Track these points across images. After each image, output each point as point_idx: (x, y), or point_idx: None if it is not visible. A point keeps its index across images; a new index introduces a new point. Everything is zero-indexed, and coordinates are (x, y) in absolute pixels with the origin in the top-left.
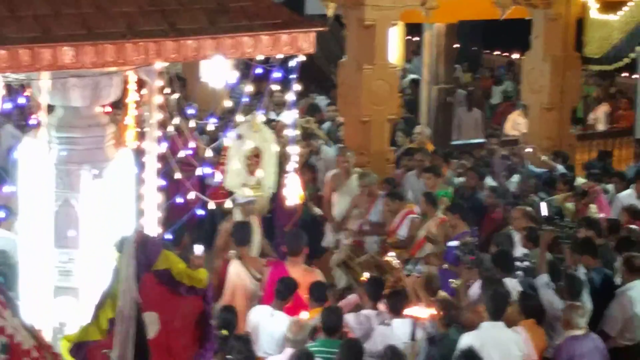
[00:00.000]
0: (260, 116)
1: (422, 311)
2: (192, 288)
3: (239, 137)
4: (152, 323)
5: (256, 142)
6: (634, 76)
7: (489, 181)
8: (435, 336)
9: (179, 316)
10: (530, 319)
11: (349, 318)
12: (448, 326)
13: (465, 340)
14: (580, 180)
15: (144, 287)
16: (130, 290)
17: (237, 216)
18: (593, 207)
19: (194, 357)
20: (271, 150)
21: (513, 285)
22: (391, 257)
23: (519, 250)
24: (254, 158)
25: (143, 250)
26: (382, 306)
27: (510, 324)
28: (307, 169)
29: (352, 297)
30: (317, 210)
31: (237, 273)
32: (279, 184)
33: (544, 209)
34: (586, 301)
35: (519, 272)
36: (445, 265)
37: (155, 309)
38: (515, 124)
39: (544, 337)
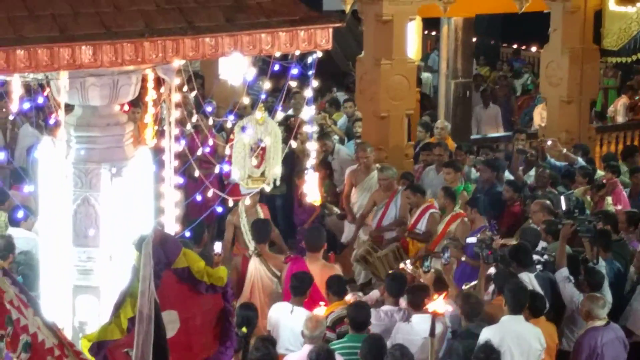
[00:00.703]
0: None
1: (441, 306)
2: (212, 286)
3: (244, 129)
4: (172, 321)
5: (261, 134)
6: None
7: (508, 175)
8: (458, 330)
9: (199, 314)
10: (540, 317)
11: None
12: (471, 320)
13: (485, 334)
14: (600, 174)
15: (164, 286)
16: (149, 289)
17: (243, 209)
18: (609, 200)
19: (214, 355)
20: (276, 142)
21: (529, 279)
22: (404, 264)
23: (540, 244)
24: (259, 150)
25: (163, 249)
26: (403, 302)
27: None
28: (323, 166)
29: (373, 294)
30: (336, 210)
31: (256, 270)
32: (298, 181)
33: (563, 203)
34: (606, 293)
35: (538, 266)
36: (464, 258)
37: (175, 307)
38: (542, 117)
39: (555, 333)
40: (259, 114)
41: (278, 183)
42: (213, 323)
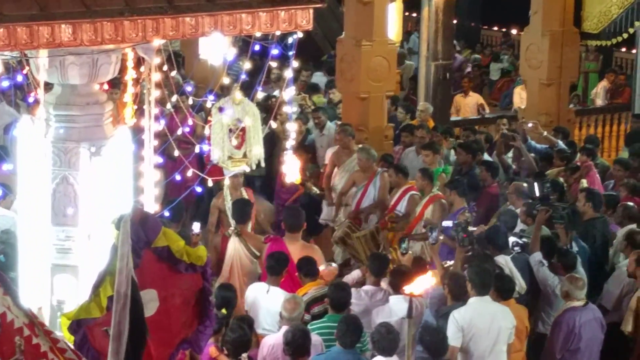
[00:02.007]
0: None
1: (418, 288)
2: (191, 265)
3: (222, 110)
4: (152, 300)
5: (238, 114)
6: (632, 51)
7: (488, 158)
8: (443, 309)
9: (178, 293)
10: (510, 299)
11: None
12: (457, 299)
13: (455, 316)
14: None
15: (144, 264)
16: (126, 268)
17: (228, 192)
18: (584, 182)
19: (193, 334)
20: (255, 122)
21: (505, 261)
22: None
23: (518, 226)
24: (239, 131)
25: (143, 228)
26: (384, 284)
27: None
28: (305, 147)
29: (355, 273)
30: (315, 190)
31: (235, 250)
32: (278, 162)
33: (536, 189)
34: (582, 274)
35: (517, 248)
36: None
37: (155, 286)
38: (522, 98)
39: (526, 316)
40: (238, 94)
41: (263, 164)
42: (192, 302)
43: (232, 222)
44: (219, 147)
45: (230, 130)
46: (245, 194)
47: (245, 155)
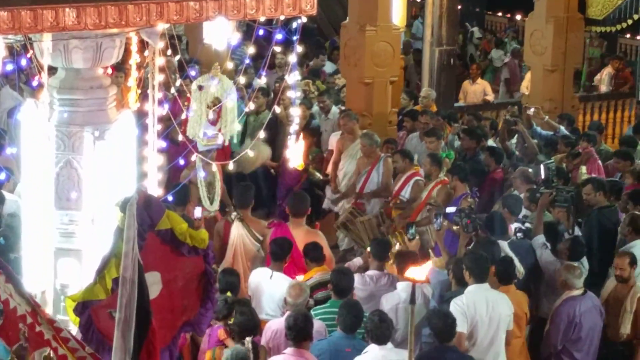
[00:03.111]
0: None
1: (421, 273)
2: (194, 248)
3: (200, 88)
4: (155, 283)
5: (217, 92)
6: (637, 37)
7: (491, 142)
8: (447, 294)
9: (180, 276)
10: (509, 285)
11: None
12: (462, 285)
13: (457, 302)
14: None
15: (148, 247)
16: (132, 251)
17: (199, 165)
18: (583, 169)
19: (195, 317)
20: (231, 99)
21: (502, 247)
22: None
23: (522, 212)
24: (215, 107)
25: (147, 210)
26: (390, 267)
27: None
28: (310, 132)
29: (357, 260)
30: (319, 175)
31: (239, 235)
32: (282, 146)
33: (542, 172)
34: (584, 262)
35: (519, 234)
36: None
37: (158, 268)
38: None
39: (525, 302)
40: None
41: (235, 140)
42: (194, 285)
43: (203, 196)
44: (196, 124)
45: (208, 107)
46: (216, 170)
47: (219, 131)
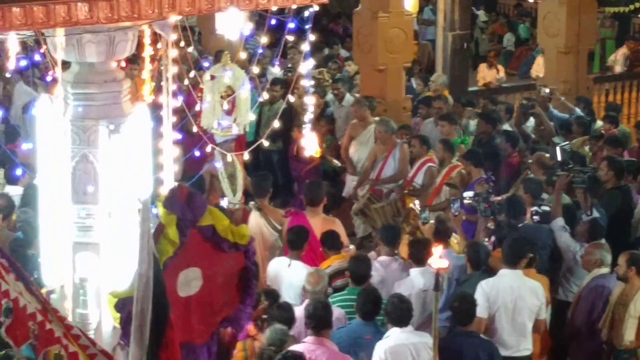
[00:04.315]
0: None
1: (443, 262)
2: (235, 244)
3: (212, 77)
4: (196, 279)
5: (229, 81)
6: None
7: (507, 127)
8: (462, 277)
9: (221, 272)
10: (530, 268)
11: None
12: (477, 268)
13: (482, 287)
14: (599, 124)
15: (189, 243)
16: (147, 245)
17: (219, 156)
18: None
19: (234, 313)
20: (244, 88)
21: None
22: (414, 205)
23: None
24: (229, 98)
25: (189, 206)
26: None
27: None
28: (324, 120)
29: (370, 256)
30: (336, 162)
31: (257, 224)
32: (296, 135)
33: (558, 154)
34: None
35: (536, 217)
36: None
37: (199, 264)
38: (540, 67)
39: (547, 286)
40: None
41: (248, 129)
42: (234, 281)
43: (225, 187)
44: (210, 113)
45: (222, 97)
46: (236, 160)
47: (235, 121)
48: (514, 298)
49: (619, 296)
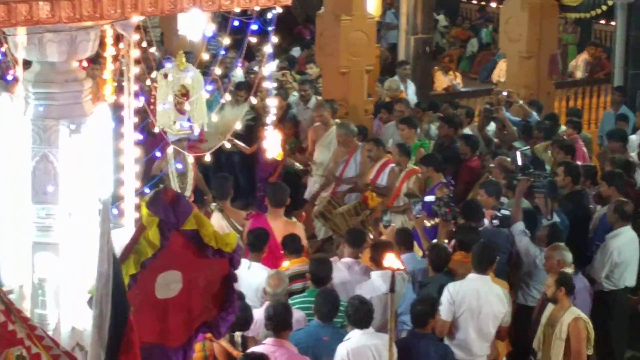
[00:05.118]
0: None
1: (398, 262)
2: (219, 251)
3: (166, 76)
4: (175, 281)
5: (183, 80)
6: (611, 23)
7: (467, 131)
8: (424, 280)
9: (202, 277)
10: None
11: None
12: (438, 271)
13: (449, 289)
14: (563, 129)
15: (170, 246)
16: (107, 245)
17: (172, 155)
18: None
19: (213, 320)
20: (198, 87)
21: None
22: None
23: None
24: (183, 97)
25: (173, 209)
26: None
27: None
28: (288, 122)
29: (333, 260)
30: (298, 165)
31: (219, 226)
32: (259, 137)
33: (519, 158)
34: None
35: (495, 222)
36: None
37: (180, 268)
38: (502, 72)
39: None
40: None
41: (206, 128)
42: (216, 287)
43: (174, 186)
44: (165, 113)
45: (175, 96)
46: (187, 159)
47: (189, 121)
48: (480, 303)
49: (549, 317)
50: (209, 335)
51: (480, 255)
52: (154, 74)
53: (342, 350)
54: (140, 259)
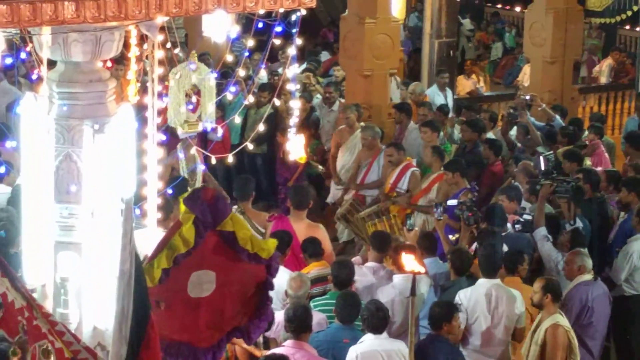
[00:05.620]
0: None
1: (418, 265)
2: (256, 256)
3: (178, 76)
4: (209, 282)
5: (194, 79)
6: (636, 29)
7: (490, 135)
8: (446, 284)
9: (237, 281)
10: (516, 277)
11: None
12: (460, 275)
13: (460, 296)
14: (587, 134)
15: (205, 245)
16: (129, 244)
17: (180, 150)
18: (587, 162)
19: (245, 325)
20: (207, 84)
21: None
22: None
23: (523, 204)
24: (195, 95)
25: (210, 209)
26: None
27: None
28: (309, 125)
29: (355, 260)
30: (320, 168)
31: None
32: (281, 139)
33: (542, 163)
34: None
35: (517, 226)
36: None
37: (214, 268)
38: (527, 76)
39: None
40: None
41: (213, 124)
42: (250, 293)
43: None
44: (175, 112)
45: (187, 95)
46: (197, 156)
47: (199, 119)
48: (492, 308)
49: (536, 323)
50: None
51: (485, 260)
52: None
53: (352, 353)
54: (174, 254)
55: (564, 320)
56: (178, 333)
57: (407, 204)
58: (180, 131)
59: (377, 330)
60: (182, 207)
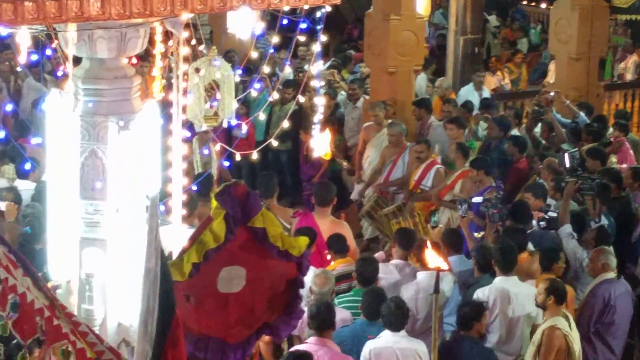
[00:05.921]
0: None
1: (442, 262)
2: (286, 253)
3: (197, 70)
4: (239, 277)
5: (213, 74)
6: None
7: (515, 132)
8: (470, 281)
9: (267, 277)
10: (551, 274)
11: None
12: (484, 272)
13: (479, 295)
14: (612, 131)
15: (236, 241)
16: (155, 241)
17: (196, 145)
18: (612, 159)
19: (275, 322)
20: (228, 80)
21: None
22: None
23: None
24: (212, 90)
25: (241, 205)
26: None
27: (527, 277)
28: (333, 121)
29: (379, 255)
30: (344, 163)
31: None
32: (305, 136)
33: (567, 160)
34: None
35: (542, 223)
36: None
37: (244, 264)
38: (552, 73)
39: (572, 292)
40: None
41: (233, 120)
42: (280, 290)
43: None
44: (195, 106)
45: (206, 90)
46: (213, 150)
47: (216, 113)
48: (511, 305)
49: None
50: None
51: (501, 257)
52: (202, 72)
53: (367, 348)
54: (204, 249)
55: (564, 324)
56: (207, 328)
57: (434, 198)
58: (197, 126)
59: (394, 327)
60: (213, 202)
